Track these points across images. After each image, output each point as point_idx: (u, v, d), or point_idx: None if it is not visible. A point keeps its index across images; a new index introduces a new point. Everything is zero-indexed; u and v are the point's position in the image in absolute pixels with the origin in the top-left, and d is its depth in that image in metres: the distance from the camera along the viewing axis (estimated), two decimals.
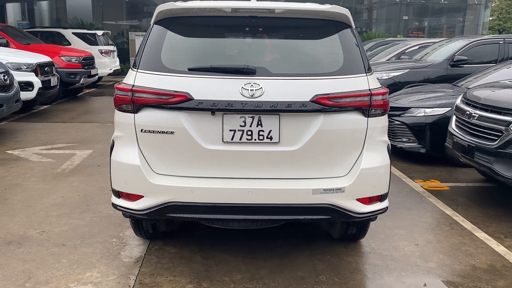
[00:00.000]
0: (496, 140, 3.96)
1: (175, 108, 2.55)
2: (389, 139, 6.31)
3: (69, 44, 13.56)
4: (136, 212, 2.69)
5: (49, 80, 8.85)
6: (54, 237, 3.53)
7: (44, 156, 5.90)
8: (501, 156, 3.90)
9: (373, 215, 2.79)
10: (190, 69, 2.60)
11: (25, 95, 8.08)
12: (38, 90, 8.45)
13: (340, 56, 2.70)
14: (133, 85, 2.61)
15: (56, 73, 9.38)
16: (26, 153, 6.02)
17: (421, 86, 7.43)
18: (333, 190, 2.61)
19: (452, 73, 8.10)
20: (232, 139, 2.59)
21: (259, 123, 2.57)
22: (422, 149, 5.93)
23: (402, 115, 6.14)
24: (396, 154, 6.28)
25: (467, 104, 4.53)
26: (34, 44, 10.89)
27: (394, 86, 8.20)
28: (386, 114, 2.80)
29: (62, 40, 13.74)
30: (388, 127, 6.24)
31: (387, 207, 2.90)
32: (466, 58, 8.18)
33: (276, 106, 2.53)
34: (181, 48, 2.76)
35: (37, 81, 8.41)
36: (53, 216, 3.94)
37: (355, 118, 2.65)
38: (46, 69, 8.88)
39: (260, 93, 2.54)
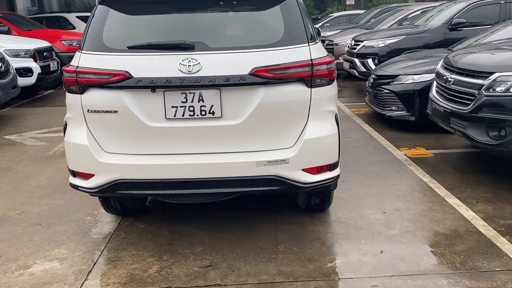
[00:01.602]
0: (469, 104, 3.88)
1: (117, 87, 2.60)
2: (378, 108, 6.32)
3: (74, 28, 13.67)
4: (90, 190, 2.79)
5: (48, 65, 9.00)
6: (32, 217, 3.68)
7: (39, 139, 6.08)
8: (474, 120, 3.83)
9: (321, 185, 2.81)
10: (129, 47, 2.64)
11: (25, 81, 8.27)
12: (38, 75, 8.62)
13: (281, 27, 2.68)
14: (77, 66, 2.67)
15: (56, 58, 9.52)
16: (22, 138, 6.21)
17: (416, 52, 7.25)
18: (277, 161, 2.63)
19: (450, 38, 7.84)
20: (174, 116, 2.63)
21: (201, 99, 2.60)
22: (411, 117, 5.85)
23: (391, 83, 6.05)
24: (386, 123, 6.22)
25: (446, 69, 4.43)
26: (35, 30, 11.05)
27: (392, 54, 8.04)
28: (333, 84, 2.79)
29: (67, 25, 13.86)
30: (377, 95, 6.24)
31: (337, 176, 2.91)
32: (464, 21, 7.91)
33: (215, 81, 2.55)
34: (121, 27, 2.79)
35: (36, 67, 8.57)
36: (36, 197, 4.09)
37: (298, 89, 2.64)
38: (45, 54, 9.02)
39: (198, 68, 2.56)
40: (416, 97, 5.75)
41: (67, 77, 2.71)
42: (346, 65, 9.05)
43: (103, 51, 2.66)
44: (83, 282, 2.75)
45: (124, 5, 2.80)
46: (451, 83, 4.18)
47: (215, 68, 2.56)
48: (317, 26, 16.83)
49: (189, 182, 2.65)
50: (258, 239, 3.20)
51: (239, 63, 2.57)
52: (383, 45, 8.16)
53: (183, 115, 2.62)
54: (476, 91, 3.81)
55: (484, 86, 3.72)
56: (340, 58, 9.71)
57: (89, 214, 3.70)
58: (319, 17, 20.85)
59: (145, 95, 2.61)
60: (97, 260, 2.99)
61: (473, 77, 3.90)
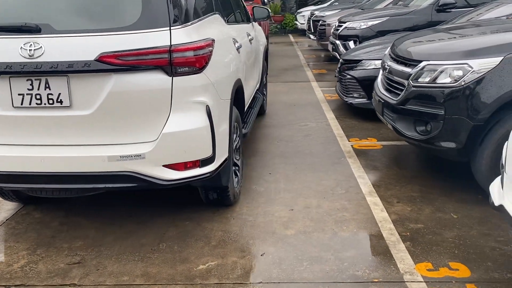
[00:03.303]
0: (399, 95, 3.56)
1: None
2: (343, 94, 5.99)
3: None
4: None
5: None
6: None
7: None
8: (402, 113, 3.51)
9: (190, 182, 2.60)
10: None
11: None
12: None
13: (138, 8, 2.43)
14: None
15: None
16: None
17: (390, 35, 6.81)
18: (132, 156, 2.43)
19: (437, 20, 7.33)
20: (22, 104, 2.46)
21: (47, 86, 2.41)
22: (372, 105, 5.50)
23: (354, 69, 5.70)
24: (352, 110, 5.88)
25: (389, 55, 4.08)
26: None
27: (374, 36, 7.61)
28: (204, 72, 2.54)
29: None
30: (341, 81, 5.90)
31: (214, 171, 2.68)
32: (453, 1, 7.39)
33: (57, 67, 2.35)
34: None
35: None
36: None
37: (156, 78, 2.41)
38: None
39: (40, 52, 2.36)
40: None
41: None
42: (330, 47, 8.67)
43: None
44: None
45: None
46: (387, 71, 3.85)
47: (60, 53, 2.37)
48: (326, 4, 16.30)
49: (36, 176, 2.49)
50: (145, 235, 3.03)
51: (86, 48, 2.36)
52: (365, 26, 7.74)
53: (30, 104, 2.45)
54: (406, 81, 3.49)
55: (412, 75, 3.39)
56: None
57: None
58: None
59: None
60: None
61: (405, 65, 3.57)
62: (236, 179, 3.45)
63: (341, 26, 8.20)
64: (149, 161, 2.46)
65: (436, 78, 3.23)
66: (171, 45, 2.39)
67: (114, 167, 2.45)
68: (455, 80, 3.13)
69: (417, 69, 3.36)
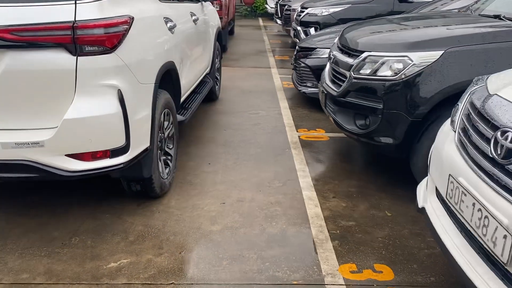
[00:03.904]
0: (341, 86, 3.41)
1: None
2: (297, 83, 5.81)
3: None
4: None
5: None
6: None
7: None
8: (342, 105, 3.37)
9: (98, 173, 2.39)
10: None
11: None
12: None
13: None
14: None
15: None
16: None
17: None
18: (29, 144, 2.20)
19: (399, 10, 7.26)
20: None
21: None
22: None
23: (308, 57, 5.54)
24: (308, 100, 5.72)
25: (337, 45, 3.92)
26: None
27: (335, 24, 7.46)
28: (116, 52, 2.30)
29: None
30: (296, 69, 5.73)
31: (127, 162, 2.47)
32: None
33: None
34: None
35: None
36: None
37: (58, 57, 2.17)
38: None
39: None
40: None
41: None
42: (292, 33, 8.49)
43: None
44: None
45: None
46: (332, 60, 3.70)
47: None
48: None
49: None
50: (59, 227, 2.80)
51: None
52: (326, 13, 7.58)
53: None
54: (347, 72, 3.34)
55: (353, 66, 3.25)
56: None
57: None
58: None
59: None
60: None
61: (349, 55, 3.42)
62: (167, 169, 3.26)
63: (303, 12, 8.01)
64: (49, 150, 2.23)
65: (377, 70, 3.10)
66: (75, 21, 2.15)
67: (8, 155, 2.20)
68: (395, 73, 3.00)
69: (359, 60, 3.21)
